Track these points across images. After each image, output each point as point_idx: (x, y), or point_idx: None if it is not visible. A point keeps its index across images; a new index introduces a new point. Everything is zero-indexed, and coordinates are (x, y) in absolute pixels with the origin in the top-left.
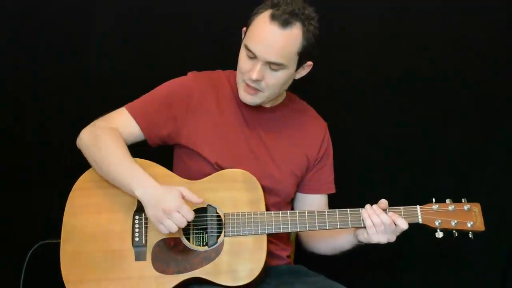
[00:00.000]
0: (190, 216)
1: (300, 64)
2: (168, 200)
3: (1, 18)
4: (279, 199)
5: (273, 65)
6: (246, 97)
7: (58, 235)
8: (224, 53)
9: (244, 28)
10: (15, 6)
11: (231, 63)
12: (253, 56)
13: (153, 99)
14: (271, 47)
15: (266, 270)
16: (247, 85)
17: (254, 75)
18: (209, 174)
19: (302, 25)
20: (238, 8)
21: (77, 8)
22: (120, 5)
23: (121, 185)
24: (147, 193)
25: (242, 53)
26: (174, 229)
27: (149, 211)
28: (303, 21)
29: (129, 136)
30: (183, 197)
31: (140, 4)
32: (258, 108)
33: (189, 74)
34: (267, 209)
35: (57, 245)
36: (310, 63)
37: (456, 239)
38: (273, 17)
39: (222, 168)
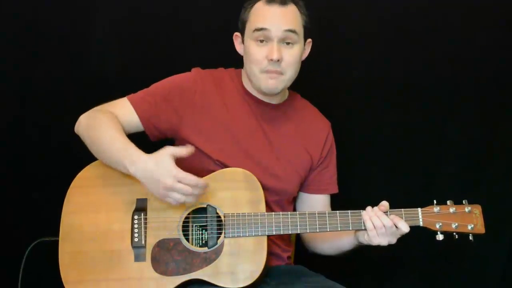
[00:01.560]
0: (191, 180)
1: (304, 40)
2: (162, 174)
3: (2, 19)
4: (282, 198)
5: (288, 37)
6: (270, 83)
7: (56, 232)
8: (225, 54)
9: (236, 33)
10: (16, 7)
11: (233, 63)
12: (264, 39)
13: (156, 91)
14: (282, 18)
15: (266, 271)
16: (268, 72)
17: (275, 55)
18: (211, 171)
19: (294, 4)
20: (239, 8)
21: (78, 8)
22: (120, 5)
23: (115, 163)
24: (139, 169)
25: (251, 45)
26: (183, 200)
27: (148, 186)
28: (295, 2)
29: (128, 126)
30: (175, 159)
31: (141, 4)
32: (265, 104)
33: (193, 70)
34: (269, 207)
35: (56, 243)
36: (309, 40)
37: (457, 240)
38: (269, 0)
39: (224, 165)
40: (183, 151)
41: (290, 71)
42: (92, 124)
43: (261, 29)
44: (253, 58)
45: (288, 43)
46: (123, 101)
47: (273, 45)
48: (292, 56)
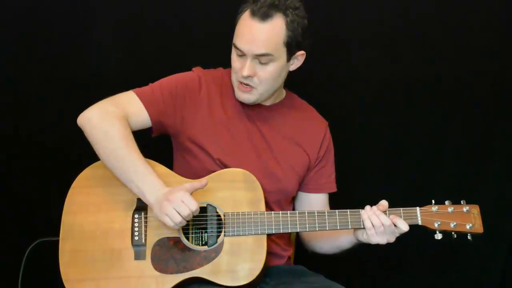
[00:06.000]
0: (193, 206)
1: (290, 54)
2: (173, 190)
3: (2, 19)
4: (281, 197)
5: (261, 58)
6: (241, 95)
7: (56, 232)
8: (224, 54)
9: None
10: (16, 7)
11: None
12: (241, 54)
13: (162, 88)
14: (255, 41)
15: (266, 270)
16: (241, 83)
17: (245, 72)
18: (211, 170)
19: (283, 15)
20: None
21: (78, 9)
22: (120, 6)
23: (129, 182)
24: (155, 195)
25: (233, 53)
26: (178, 218)
27: (155, 208)
28: (284, 11)
29: (137, 124)
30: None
31: (141, 5)
32: (260, 106)
33: (194, 69)
34: (269, 207)
35: (56, 243)
36: (302, 52)
37: (456, 240)
38: (252, 13)
39: (224, 165)
40: (195, 184)
41: (262, 86)
42: (107, 133)
43: (236, 47)
44: (233, 67)
45: (262, 62)
46: (132, 98)
47: (246, 62)
48: (267, 73)
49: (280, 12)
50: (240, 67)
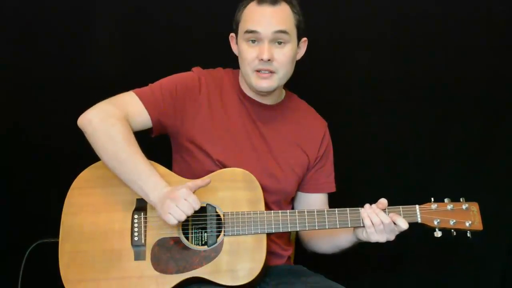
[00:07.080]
0: (196, 204)
1: (298, 39)
2: (175, 189)
3: (2, 19)
4: (280, 198)
5: (280, 37)
6: (262, 83)
7: (56, 234)
8: (224, 54)
9: (232, 34)
10: (15, 7)
11: (231, 64)
12: (255, 39)
13: (162, 89)
14: (272, 19)
15: (266, 270)
16: (259, 71)
17: (265, 55)
18: (210, 171)
19: (287, 3)
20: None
21: (78, 9)
22: (120, 6)
23: (131, 182)
24: (157, 195)
25: (243, 45)
26: (181, 216)
27: (158, 207)
28: (286, 0)
29: (137, 125)
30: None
31: (141, 5)
32: (260, 105)
33: (194, 69)
34: (268, 207)
35: (55, 244)
36: (305, 39)
37: (456, 239)
38: (260, 1)
39: (223, 165)
40: (198, 182)
41: (282, 70)
42: (109, 134)
43: (252, 31)
44: (245, 58)
45: (279, 43)
46: (133, 99)
47: (264, 46)
48: (284, 55)
49: (284, 1)
50: (256, 54)
